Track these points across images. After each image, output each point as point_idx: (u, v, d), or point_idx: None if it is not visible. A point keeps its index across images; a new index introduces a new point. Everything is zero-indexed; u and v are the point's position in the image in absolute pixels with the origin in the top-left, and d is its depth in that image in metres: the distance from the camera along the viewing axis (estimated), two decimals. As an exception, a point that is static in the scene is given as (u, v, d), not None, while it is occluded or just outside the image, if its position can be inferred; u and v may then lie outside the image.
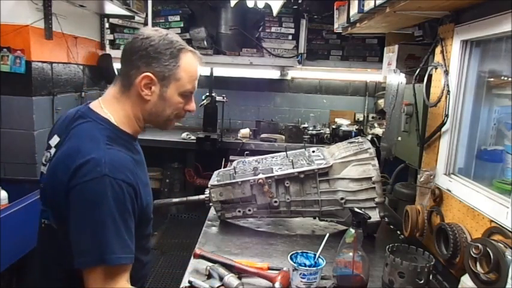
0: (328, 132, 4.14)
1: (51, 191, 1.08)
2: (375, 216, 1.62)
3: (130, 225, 1.06)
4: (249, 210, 1.74)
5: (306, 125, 4.31)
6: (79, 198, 1.00)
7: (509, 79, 1.39)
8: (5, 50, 2.31)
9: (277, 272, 1.29)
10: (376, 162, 1.68)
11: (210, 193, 1.75)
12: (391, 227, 1.89)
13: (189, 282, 1.27)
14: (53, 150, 1.15)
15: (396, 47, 2.11)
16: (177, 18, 4.15)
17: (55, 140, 1.16)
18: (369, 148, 1.72)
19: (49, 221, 1.12)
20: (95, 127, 1.11)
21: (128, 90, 1.14)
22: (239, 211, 1.75)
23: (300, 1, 3.99)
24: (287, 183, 1.70)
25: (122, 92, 1.16)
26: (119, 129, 1.15)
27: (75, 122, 1.14)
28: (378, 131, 3.95)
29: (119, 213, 1.02)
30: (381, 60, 2.88)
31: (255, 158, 1.98)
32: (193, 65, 1.17)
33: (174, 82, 1.14)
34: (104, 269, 1.00)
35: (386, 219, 1.86)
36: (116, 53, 4.04)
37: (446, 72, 1.58)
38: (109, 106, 1.16)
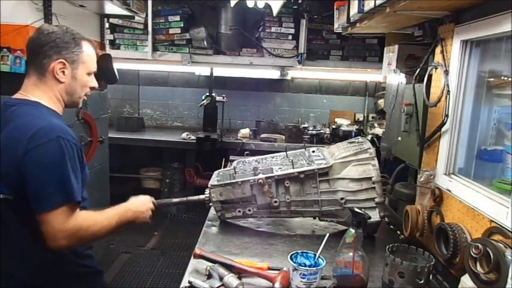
0: (328, 132, 4.15)
1: (5, 165, 1.23)
2: (375, 216, 1.62)
3: (78, 177, 1.29)
4: (249, 210, 1.74)
5: (306, 125, 4.32)
6: (39, 157, 1.21)
7: (509, 79, 1.39)
8: (5, 50, 2.30)
9: (277, 272, 1.29)
10: (376, 162, 1.68)
11: (210, 193, 1.75)
12: (391, 227, 1.89)
13: (189, 282, 1.27)
14: None
15: (396, 47, 2.11)
16: (177, 18, 4.15)
17: None
18: (369, 148, 1.72)
19: (4, 194, 1.26)
20: (32, 108, 1.32)
21: (44, 77, 1.35)
22: (239, 211, 1.75)
23: (300, 1, 3.99)
24: (287, 183, 1.70)
25: (39, 80, 1.35)
26: (50, 108, 1.36)
27: (7, 110, 1.32)
28: (378, 131, 3.95)
29: (71, 167, 1.25)
30: (380, 60, 2.87)
31: (255, 158, 1.98)
32: (92, 50, 1.45)
33: (82, 64, 1.40)
34: (67, 207, 1.22)
35: (386, 219, 1.86)
36: (116, 53, 4.05)
37: (446, 72, 1.58)
38: (33, 93, 1.35)
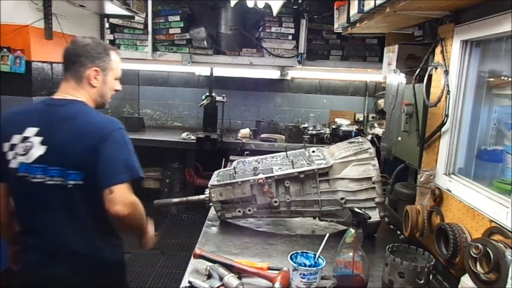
0: (328, 132, 4.15)
1: (82, 154, 1.44)
2: (374, 216, 1.62)
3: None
4: (249, 210, 1.74)
5: (306, 125, 4.32)
6: (110, 144, 1.46)
7: (509, 79, 1.39)
8: (5, 50, 2.31)
9: (277, 272, 1.29)
10: (376, 162, 1.68)
11: (210, 193, 1.75)
12: (391, 227, 1.89)
13: (189, 282, 1.27)
14: (36, 139, 1.45)
15: (396, 47, 2.11)
16: (177, 18, 4.15)
17: (32, 130, 1.46)
18: (369, 148, 1.72)
19: (75, 180, 1.46)
20: (86, 107, 1.55)
21: (81, 82, 1.57)
22: (239, 211, 1.75)
23: (300, 1, 3.99)
24: (287, 183, 1.70)
25: (77, 85, 1.57)
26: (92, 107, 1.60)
27: (59, 108, 1.51)
28: (378, 131, 3.95)
29: (132, 150, 1.52)
30: (381, 60, 2.87)
31: (255, 158, 1.98)
32: (118, 58, 1.68)
33: (111, 71, 1.63)
34: (129, 182, 1.46)
35: (386, 219, 1.86)
36: (116, 53, 4.05)
37: (446, 72, 1.58)
38: (76, 95, 1.56)
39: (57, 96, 1.56)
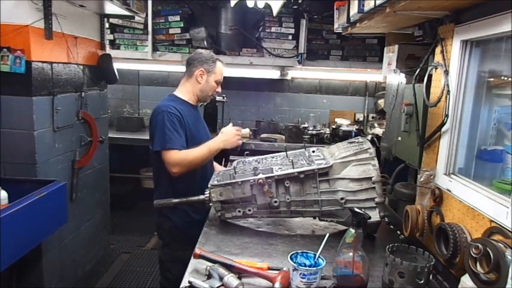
0: (328, 132, 4.15)
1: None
2: (375, 216, 1.62)
3: (178, 129, 2.03)
4: (249, 210, 1.74)
5: (306, 125, 4.32)
6: (154, 121, 2.07)
7: (509, 79, 1.39)
8: (5, 50, 2.30)
9: (277, 272, 1.29)
10: (376, 162, 1.68)
11: (210, 193, 1.75)
12: (391, 227, 1.89)
13: (189, 282, 1.27)
14: None
15: (396, 47, 2.11)
16: (177, 18, 4.15)
17: None
18: (369, 148, 1.72)
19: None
20: (167, 97, 2.21)
21: (190, 78, 2.21)
22: (239, 211, 1.75)
23: (300, 1, 3.99)
24: (287, 183, 1.70)
25: (186, 80, 2.23)
26: (178, 97, 2.20)
27: None
28: (378, 131, 3.95)
29: (169, 124, 2.01)
30: (380, 60, 2.87)
31: (255, 158, 1.99)
32: (221, 66, 2.24)
33: (213, 74, 2.20)
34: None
35: (386, 219, 1.86)
36: (116, 53, 4.04)
37: (446, 72, 1.58)
38: (179, 87, 2.25)
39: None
